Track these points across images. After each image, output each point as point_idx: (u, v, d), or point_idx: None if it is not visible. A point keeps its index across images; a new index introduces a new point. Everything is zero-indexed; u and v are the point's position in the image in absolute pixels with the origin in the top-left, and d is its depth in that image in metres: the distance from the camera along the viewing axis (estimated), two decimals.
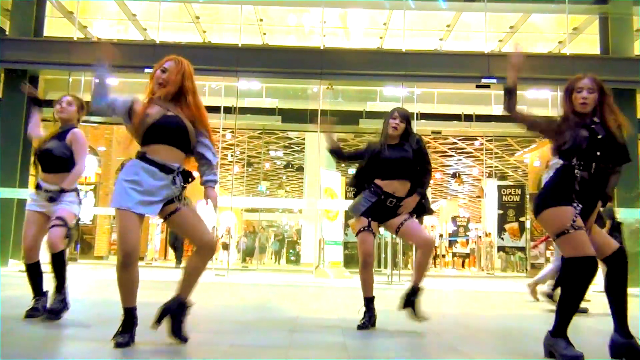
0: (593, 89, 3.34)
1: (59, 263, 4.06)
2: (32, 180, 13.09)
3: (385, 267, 11.21)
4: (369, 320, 4.17)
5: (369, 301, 4.25)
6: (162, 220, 3.28)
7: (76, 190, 4.30)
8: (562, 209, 3.06)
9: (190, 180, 3.27)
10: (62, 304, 4.02)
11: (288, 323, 4.51)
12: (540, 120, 3.52)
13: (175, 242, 15.78)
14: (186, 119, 3.21)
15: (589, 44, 13.77)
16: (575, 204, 3.07)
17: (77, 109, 4.40)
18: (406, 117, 4.40)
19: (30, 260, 4.19)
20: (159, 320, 3.14)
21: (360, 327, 4.10)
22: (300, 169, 20.52)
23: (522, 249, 17.16)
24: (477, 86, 12.25)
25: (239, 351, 3.27)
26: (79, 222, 9.39)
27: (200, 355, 3.14)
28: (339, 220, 12.48)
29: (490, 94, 14.32)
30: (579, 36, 13.90)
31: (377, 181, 4.27)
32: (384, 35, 14.70)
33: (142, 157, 3.12)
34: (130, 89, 14.28)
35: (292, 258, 22.87)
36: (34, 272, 4.21)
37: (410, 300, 4.14)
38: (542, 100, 14.01)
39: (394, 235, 4.52)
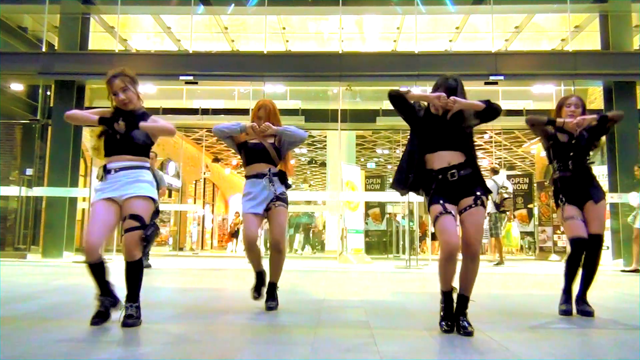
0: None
1: (134, 272, 3.24)
2: (82, 181, 13.37)
3: (404, 253, 11.18)
4: (446, 313, 3.21)
5: (447, 295, 3.23)
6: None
7: (149, 168, 3.42)
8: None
9: (286, 178, 4.13)
10: (138, 311, 3.24)
11: (316, 304, 4.54)
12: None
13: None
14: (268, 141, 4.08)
15: (590, 40, 13.51)
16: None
17: (134, 89, 3.39)
18: (454, 91, 3.23)
19: (91, 258, 3.22)
20: (268, 297, 4.09)
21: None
22: (323, 164, 20.49)
23: (531, 234, 16.95)
24: (486, 83, 12.09)
25: (273, 329, 3.32)
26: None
27: (240, 333, 3.19)
28: (359, 210, 12.47)
29: (498, 90, 14.13)
30: (581, 33, 13.64)
31: (426, 161, 3.25)
32: (397, 38, 14.61)
33: (246, 176, 4.12)
34: (167, 95, 14.44)
35: (318, 247, 22.83)
36: (97, 271, 3.27)
37: (459, 310, 3.18)
38: (547, 95, 13.80)
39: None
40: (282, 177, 4.11)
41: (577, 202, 3.98)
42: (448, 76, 3.33)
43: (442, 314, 3.25)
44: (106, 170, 3.29)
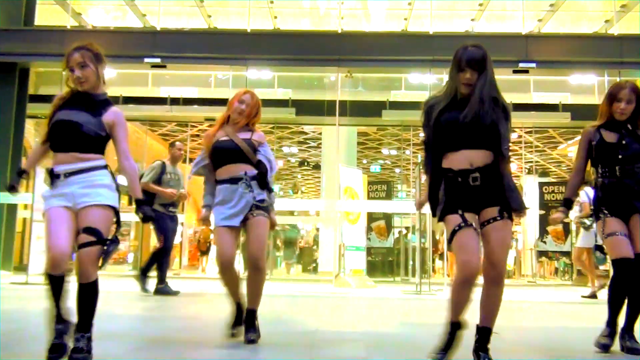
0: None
1: (89, 296, 3.16)
2: (24, 185, 13.33)
3: (414, 275, 11.17)
4: (446, 345, 3.16)
5: (454, 327, 3.18)
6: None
7: (106, 166, 3.36)
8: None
9: (267, 181, 4.09)
10: (89, 344, 3.13)
11: (306, 337, 4.55)
12: None
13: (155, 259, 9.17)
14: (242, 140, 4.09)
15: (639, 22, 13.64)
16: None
17: (95, 68, 3.35)
18: (480, 61, 3.22)
19: (57, 270, 3.18)
20: (246, 328, 3.98)
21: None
22: (317, 166, 20.51)
23: (567, 254, 16.96)
24: (515, 71, 12.17)
25: None
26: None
27: None
28: (360, 223, 12.47)
29: (529, 80, 14.22)
30: (628, 14, 13.74)
31: (445, 159, 3.21)
32: (408, 16, 14.65)
33: (217, 182, 4.10)
34: (130, 81, 14.41)
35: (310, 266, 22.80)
36: (59, 287, 3.23)
37: (479, 345, 3.18)
38: (587, 86, 13.88)
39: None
40: (262, 181, 4.06)
41: (621, 214, 3.94)
42: (468, 44, 3.28)
43: (441, 345, 3.15)
44: (54, 175, 3.23)
